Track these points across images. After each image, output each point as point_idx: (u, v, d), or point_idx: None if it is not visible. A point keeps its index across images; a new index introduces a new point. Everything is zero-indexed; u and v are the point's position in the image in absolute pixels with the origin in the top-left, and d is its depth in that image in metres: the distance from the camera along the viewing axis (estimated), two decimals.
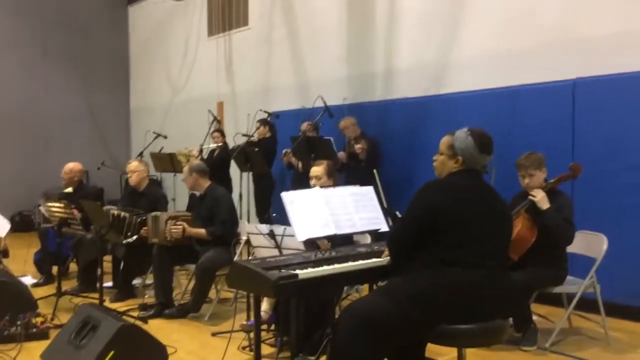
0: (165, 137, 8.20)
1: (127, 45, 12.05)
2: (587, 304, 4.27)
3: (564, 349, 3.95)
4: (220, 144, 7.57)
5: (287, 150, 6.71)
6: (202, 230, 4.81)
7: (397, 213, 4.84)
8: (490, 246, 2.68)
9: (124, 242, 4.93)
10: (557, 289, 4.03)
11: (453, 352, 2.85)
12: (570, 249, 4.07)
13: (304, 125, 6.66)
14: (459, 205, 2.67)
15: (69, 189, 6.15)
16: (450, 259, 2.61)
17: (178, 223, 4.73)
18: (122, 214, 5.06)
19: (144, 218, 4.94)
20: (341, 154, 6.34)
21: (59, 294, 4.87)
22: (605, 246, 3.98)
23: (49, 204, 5.28)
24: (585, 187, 4.72)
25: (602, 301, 4.09)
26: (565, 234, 3.86)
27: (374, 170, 5.79)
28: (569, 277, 4.09)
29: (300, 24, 8.05)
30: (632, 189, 4.64)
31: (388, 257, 2.98)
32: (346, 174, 6.19)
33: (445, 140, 2.86)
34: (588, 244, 4.15)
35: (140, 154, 7.82)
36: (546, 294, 4.09)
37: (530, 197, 3.93)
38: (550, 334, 4.05)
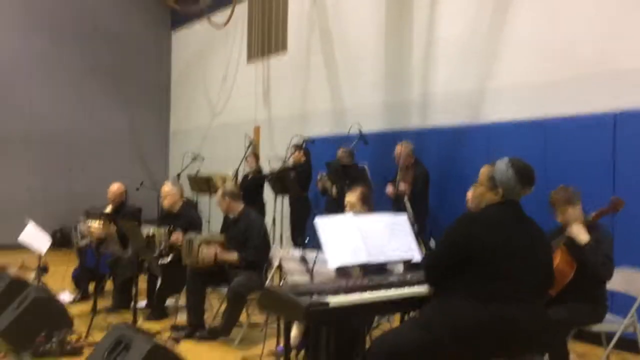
0: (203, 160, 8.34)
1: (169, 69, 12.39)
2: (626, 344, 4.11)
3: None
4: (254, 168, 7.66)
5: (322, 174, 6.75)
6: (234, 255, 4.85)
7: (432, 242, 4.81)
8: (529, 280, 2.64)
9: (159, 263, 5.01)
10: (596, 327, 3.89)
11: None
12: (609, 286, 3.95)
13: (340, 152, 6.69)
14: (496, 238, 2.64)
15: (109, 208, 6.31)
16: (487, 291, 2.57)
17: (211, 246, 4.77)
18: (152, 231, 5.17)
19: (171, 227, 5.03)
20: (389, 189, 6.08)
21: (94, 311, 4.96)
22: None
23: (89, 221, 5.41)
24: (626, 222, 4.58)
25: None
26: (604, 270, 3.74)
27: (405, 199, 5.78)
28: (608, 315, 3.95)
29: (338, 50, 8.15)
30: None
31: (423, 287, 2.95)
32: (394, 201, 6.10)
33: (485, 171, 2.82)
34: (628, 281, 4.01)
35: (178, 176, 7.97)
36: (584, 331, 3.96)
37: (568, 232, 3.83)
38: None
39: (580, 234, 3.76)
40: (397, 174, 6.12)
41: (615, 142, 4.92)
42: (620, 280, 3.99)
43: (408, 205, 5.67)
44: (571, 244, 3.81)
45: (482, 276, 2.60)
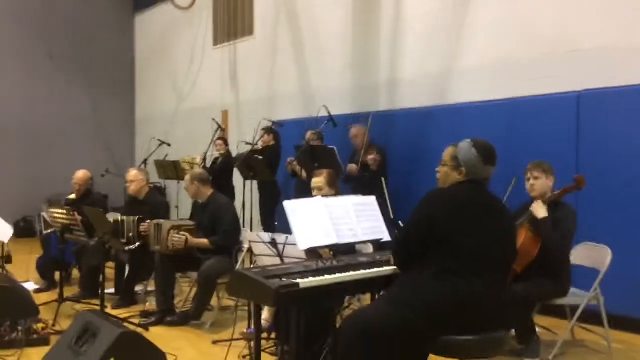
0: (169, 145, 8.22)
1: (133, 53, 12.13)
2: (590, 316, 4.23)
3: None
4: (223, 152, 7.59)
5: (291, 158, 6.72)
6: (205, 241, 4.80)
7: (400, 223, 4.85)
8: (494, 257, 2.68)
9: (126, 249, 4.94)
10: (561, 301, 4.00)
11: None
12: (574, 260, 4.05)
13: (308, 134, 6.67)
14: (460, 217, 2.66)
15: (72, 195, 6.19)
16: (454, 269, 2.60)
17: (181, 233, 4.71)
18: (121, 218, 5.09)
19: (141, 217, 4.97)
20: (352, 166, 6.22)
21: (61, 300, 4.87)
22: (609, 258, 3.96)
23: (52, 210, 5.29)
24: (590, 199, 4.69)
25: (606, 313, 4.06)
26: (557, 245, 3.82)
27: (382, 179, 5.83)
28: (572, 289, 4.06)
29: (305, 33, 8.08)
30: (637, 199, 4.62)
31: (392, 267, 2.98)
32: (354, 184, 6.15)
33: (448, 152, 2.86)
34: (592, 256, 4.13)
35: (144, 162, 7.84)
36: (549, 305, 4.06)
37: (531, 208, 3.92)
38: (553, 346, 4.01)
39: (539, 210, 3.86)
40: (354, 154, 6.23)
41: (579, 121, 5.01)
42: (584, 255, 4.10)
43: (384, 184, 5.71)
44: (534, 221, 3.90)
45: (449, 254, 2.63)
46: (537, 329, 4.08)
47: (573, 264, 4.06)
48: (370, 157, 6.01)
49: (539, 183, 3.98)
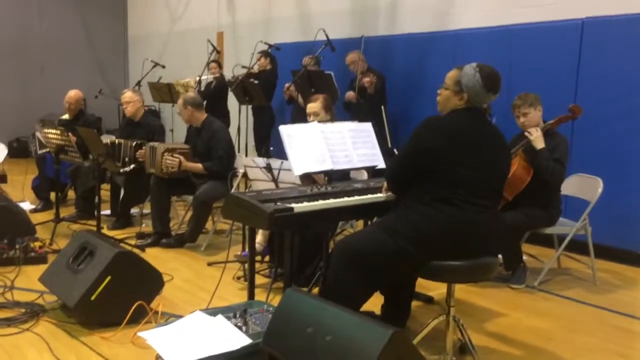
0: (164, 67, 8.05)
1: None
2: (577, 246, 4.33)
3: (551, 288, 4.05)
4: (217, 76, 7.45)
5: (289, 84, 6.62)
6: (199, 165, 4.80)
7: (396, 151, 4.85)
8: (487, 186, 2.67)
9: (121, 170, 4.95)
10: (549, 230, 4.08)
11: (443, 287, 2.90)
12: (565, 191, 4.09)
13: (306, 59, 6.54)
14: (456, 146, 2.63)
15: (66, 116, 6.12)
16: (446, 196, 2.61)
17: (175, 156, 4.70)
18: (118, 140, 5.07)
19: (139, 142, 4.95)
20: (350, 94, 6.18)
21: (57, 220, 4.92)
22: (600, 189, 4.00)
23: (46, 130, 5.25)
24: (585, 130, 4.69)
25: (592, 243, 4.15)
26: (554, 174, 3.85)
27: (382, 107, 5.79)
28: (561, 219, 4.13)
29: None
30: (631, 132, 4.61)
31: (385, 193, 3.00)
32: (353, 112, 6.10)
33: (452, 75, 2.75)
34: (583, 186, 4.17)
35: (138, 83, 7.70)
36: (538, 234, 4.14)
37: (527, 135, 3.92)
38: (539, 273, 4.13)
39: (537, 141, 3.86)
40: (352, 81, 6.14)
41: (581, 49, 4.91)
42: (575, 186, 4.14)
43: (383, 112, 5.68)
44: (530, 149, 3.90)
45: (443, 183, 2.62)
46: (524, 257, 4.18)
47: (563, 194, 4.11)
48: (366, 79, 5.92)
49: (529, 117, 3.97)
